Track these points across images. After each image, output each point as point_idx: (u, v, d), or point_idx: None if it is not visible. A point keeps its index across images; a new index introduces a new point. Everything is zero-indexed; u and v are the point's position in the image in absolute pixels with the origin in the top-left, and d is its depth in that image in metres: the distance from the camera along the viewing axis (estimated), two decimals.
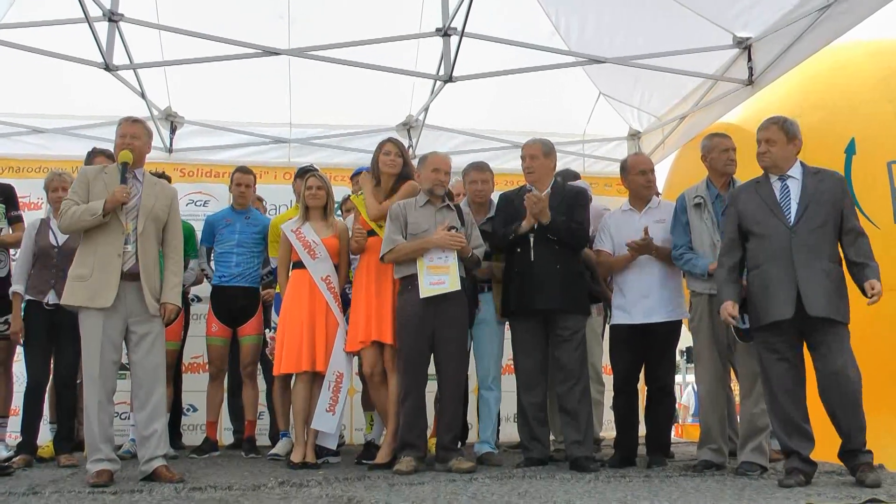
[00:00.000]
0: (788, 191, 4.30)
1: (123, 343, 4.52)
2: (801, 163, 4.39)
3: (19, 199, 5.92)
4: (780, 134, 4.35)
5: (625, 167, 5.36)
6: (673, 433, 6.83)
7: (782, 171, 4.35)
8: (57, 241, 5.39)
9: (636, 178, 5.22)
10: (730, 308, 4.35)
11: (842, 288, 4.16)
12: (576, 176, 6.19)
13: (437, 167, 5.06)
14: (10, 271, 5.60)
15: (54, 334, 5.27)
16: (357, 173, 6.04)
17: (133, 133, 4.65)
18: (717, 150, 4.96)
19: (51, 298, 5.29)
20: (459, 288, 4.82)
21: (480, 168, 5.71)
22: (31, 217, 5.95)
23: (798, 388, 4.22)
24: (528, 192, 4.93)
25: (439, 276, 4.80)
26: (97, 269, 4.40)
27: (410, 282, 4.86)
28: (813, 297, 4.09)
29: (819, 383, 4.16)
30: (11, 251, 5.73)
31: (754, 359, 4.61)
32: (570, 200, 5.10)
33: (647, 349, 5.12)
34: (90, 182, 4.56)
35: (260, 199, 6.94)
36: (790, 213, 4.24)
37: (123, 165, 4.55)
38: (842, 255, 4.27)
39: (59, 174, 5.59)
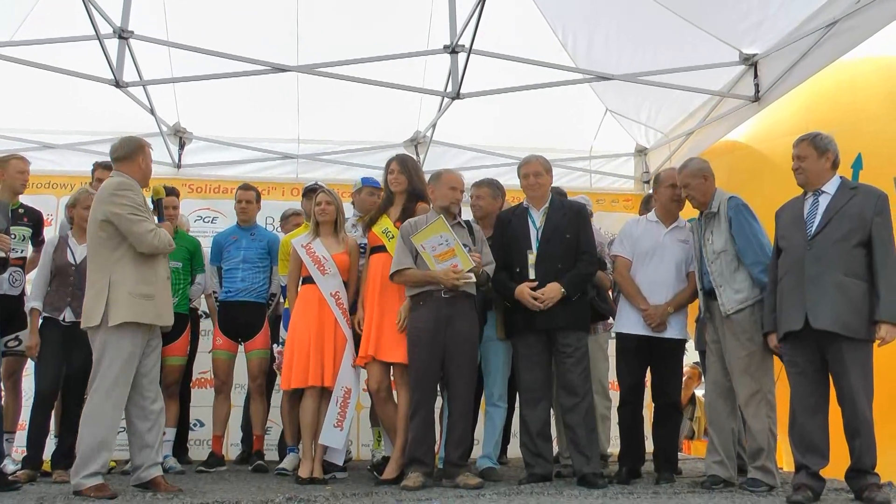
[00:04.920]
0: (818, 205, 4.32)
1: None
2: (839, 178, 4.39)
3: None
4: (811, 149, 4.38)
5: (658, 179, 5.38)
6: (682, 449, 6.79)
7: (816, 187, 4.37)
8: (75, 260, 5.38)
9: (665, 190, 5.20)
10: (773, 341, 4.44)
11: (858, 303, 4.10)
12: (563, 193, 6.11)
13: (453, 185, 5.05)
14: (23, 290, 5.57)
15: (67, 350, 5.27)
16: (366, 184, 5.93)
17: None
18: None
19: (67, 316, 5.29)
20: (474, 266, 4.81)
21: (478, 184, 5.76)
22: None
23: (817, 403, 4.21)
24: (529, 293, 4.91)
25: (451, 262, 4.81)
26: (159, 290, 4.58)
27: (422, 298, 4.87)
28: (818, 310, 4.10)
29: (837, 398, 4.16)
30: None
31: (755, 375, 4.60)
32: (576, 220, 5.10)
33: (652, 360, 5.12)
34: None
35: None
36: (812, 226, 4.26)
37: (159, 201, 4.79)
38: None
39: (89, 193, 5.38)
